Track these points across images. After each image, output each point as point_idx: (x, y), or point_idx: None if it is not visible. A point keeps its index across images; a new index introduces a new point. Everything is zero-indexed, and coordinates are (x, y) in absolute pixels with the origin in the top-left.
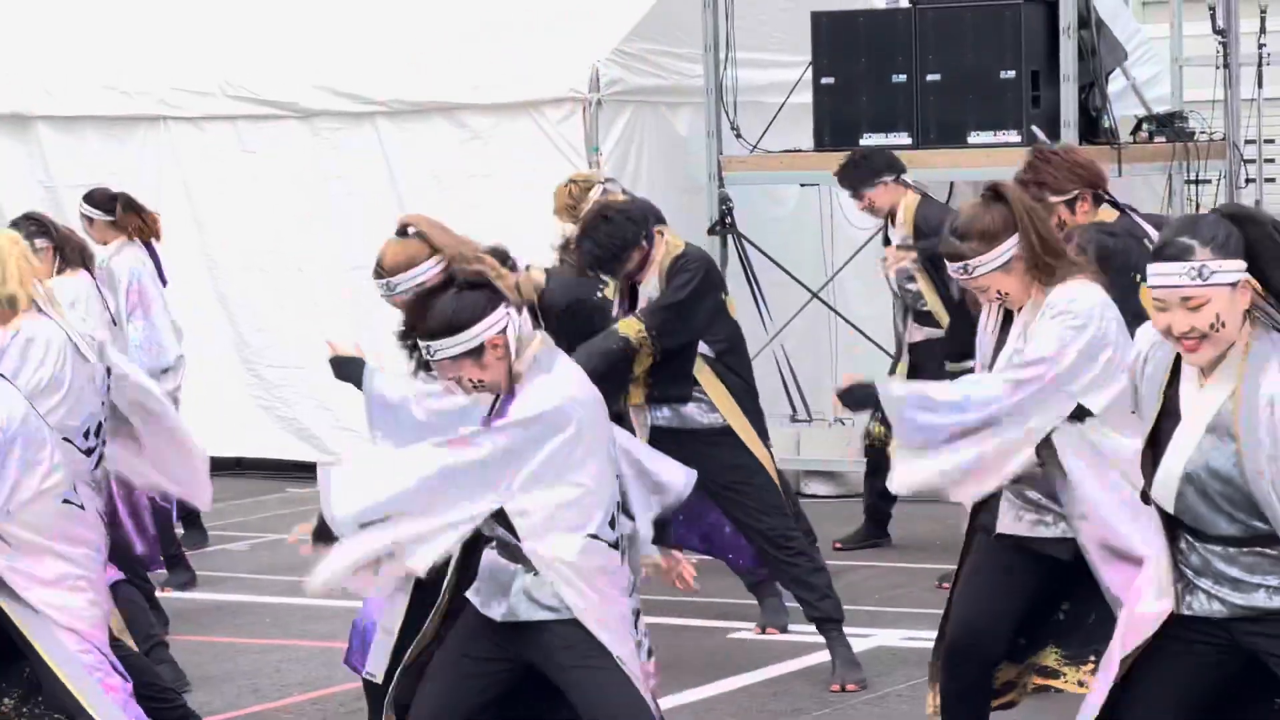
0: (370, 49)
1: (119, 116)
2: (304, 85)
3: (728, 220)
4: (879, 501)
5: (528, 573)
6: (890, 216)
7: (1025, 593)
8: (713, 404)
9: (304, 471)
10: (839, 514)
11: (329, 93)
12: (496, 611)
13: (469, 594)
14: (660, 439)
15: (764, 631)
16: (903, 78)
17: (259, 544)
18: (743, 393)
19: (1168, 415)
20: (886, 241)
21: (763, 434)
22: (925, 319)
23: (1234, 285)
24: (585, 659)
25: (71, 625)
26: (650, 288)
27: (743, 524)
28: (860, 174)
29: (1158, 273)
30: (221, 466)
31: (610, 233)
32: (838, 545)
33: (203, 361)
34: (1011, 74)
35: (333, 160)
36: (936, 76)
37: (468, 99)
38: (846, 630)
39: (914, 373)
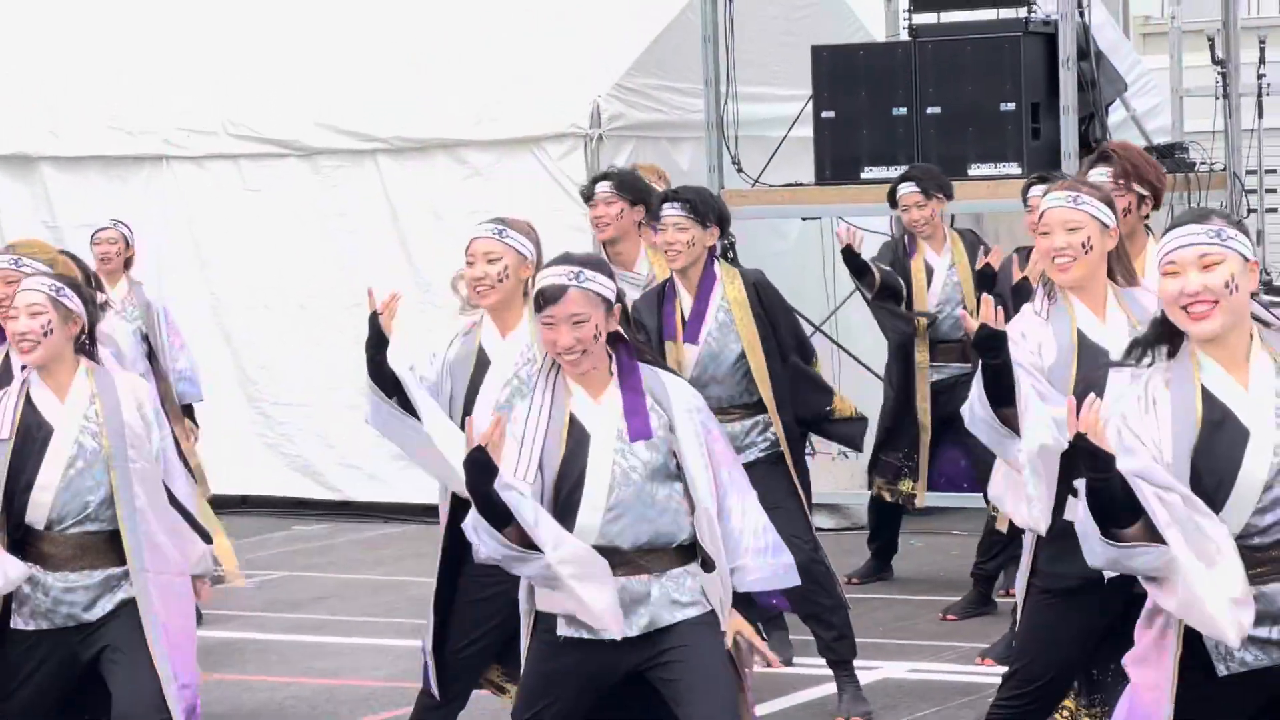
0: (371, 87)
1: (122, 156)
2: (306, 123)
3: (730, 254)
4: (887, 546)
5: (660, 577)
6: (909, 238)
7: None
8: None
9: (309, 509)
10: (841, 546)
11: (330, 130)
12: (634, 627)
13: (567, 630)
14: None
15: (769, 665)
16: (903, 111)
17: (265, 581)
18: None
19: (1217, 427)
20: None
21: (798, 462)
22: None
23: (1245, 259)
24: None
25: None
26: None
27: None
28: (942, 182)
29: (1174, 235)
30: (226, 504)
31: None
32: (854, 580)
33: (207, 399)
34: (1011, 106)
35: (335, 197)
36: (937, 109)
37: (469, 135)
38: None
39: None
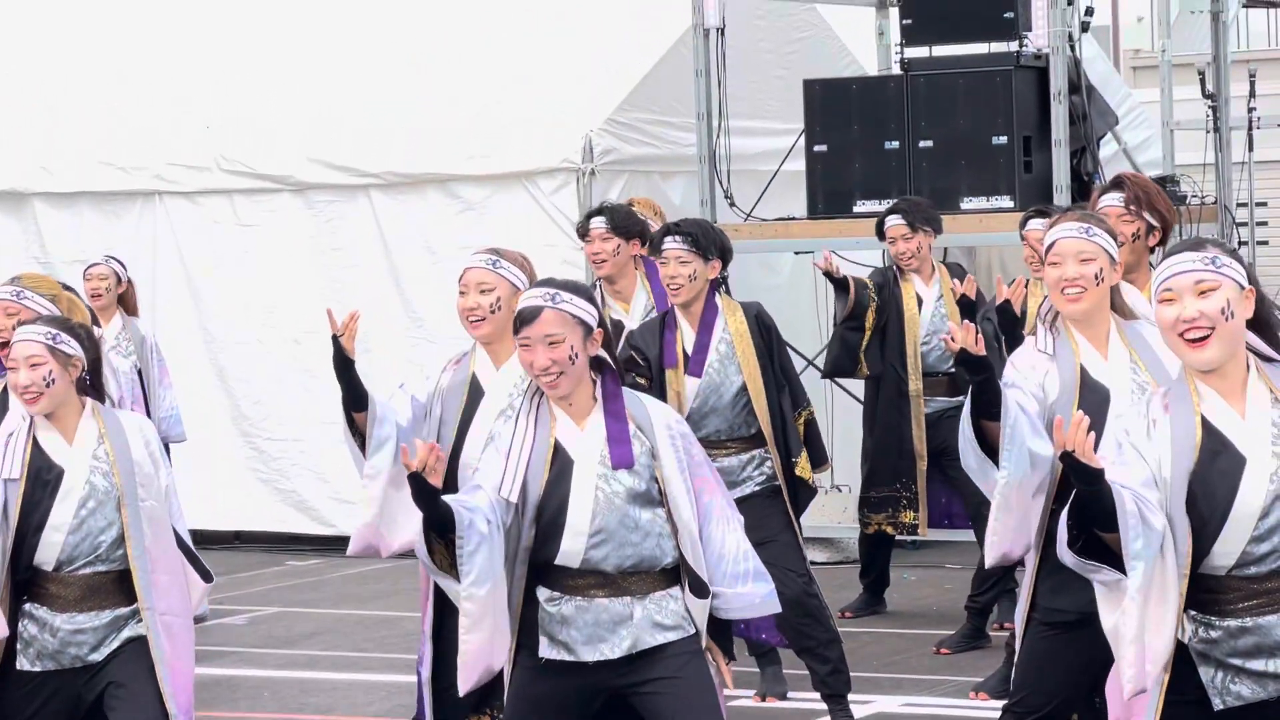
0: (364, 121)
1: (115, 192)
2: (299, 158)
3: (722, 289)
4: (879, 579)
5: (643, 599)
6: (898, 268)
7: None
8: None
9: (302, 544)
10: (834, 580)
11: (323, 165)
12: (616, 649)
13: (549, 651)
14: None
15: (764, 699)
16: (895, 144)
17: (257, 617)
18: None
19: (1215, 454)
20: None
21: (791, 494)
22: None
23: (1241, 287)
24: (697, 656)
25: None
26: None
27: None
28: (930, 215)
29: (1170, 264)
30: (219, 540)
31: None
32: (847, 614)
33: (200, 435)
34: (1003, 140)
35: (328, 232)
36: (929, 143)
37: (461, 170)
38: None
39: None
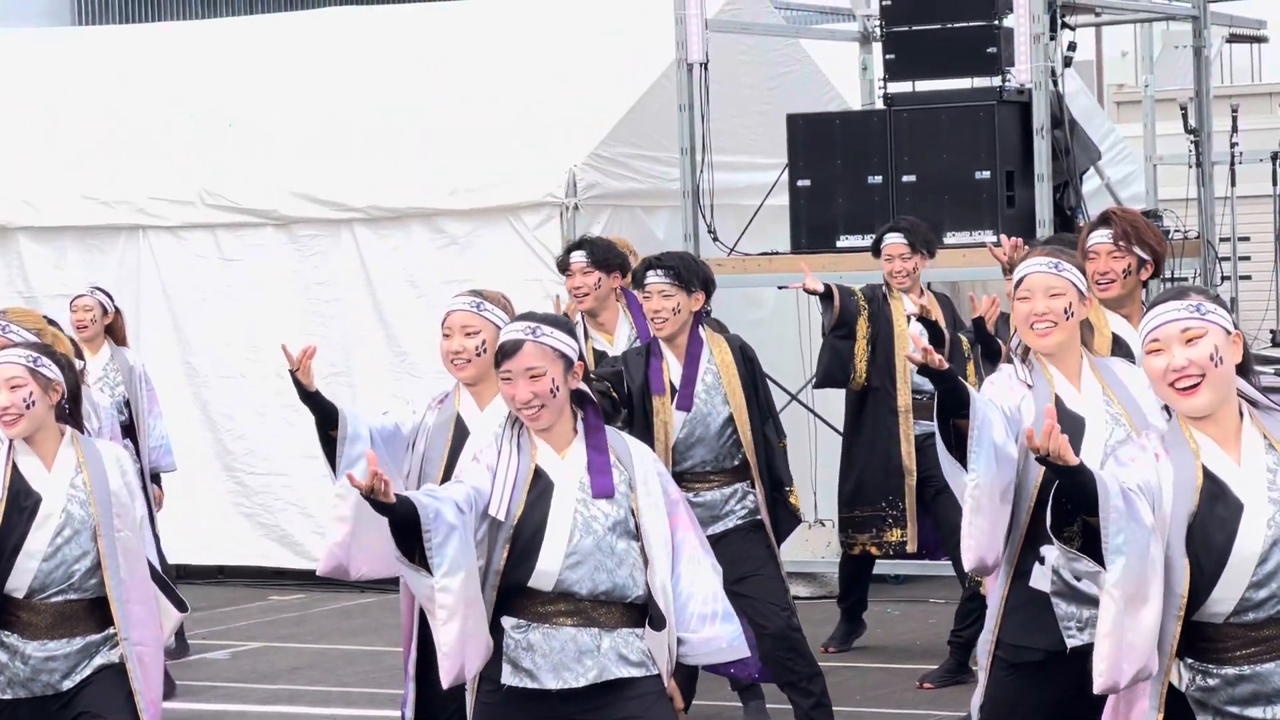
0: (347, 156)
1: (98, 226)
2: (281, 193)
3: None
4: (857, 604)
5: (611, 632)
6: (887, 287)
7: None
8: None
9: (286, 579)
10: (816, 615)
11: (307, 200)
12: (581, 678)
13: (511, 679)
14: None
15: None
16: (878, 179)
17: (240, 653)
18: None
19: (1214, 499)
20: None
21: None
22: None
23: (1228, 332)
24: (661, 697)
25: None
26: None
27: (751, 620)
28: (929, 238)
29: (1155, 314)
30: (203, 574)
31: None
32: (829, 649)
33: (184, 469)
34: (986, 174)
35: (311, 267)
36: (912, 177)
37: (445, 205)
38: None
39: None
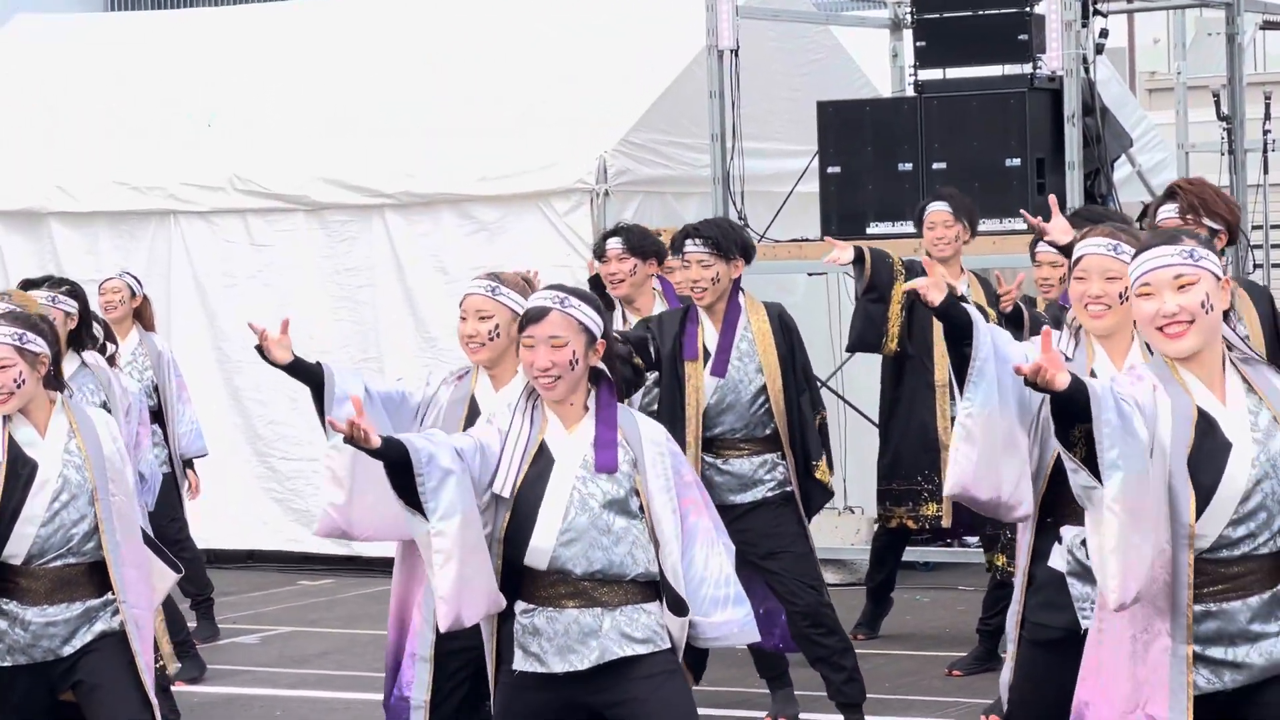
0: (378, 142)
1: (130, 212)
2: (312, 178)
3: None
4: (883, 586)
5: (614, 611)
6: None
7: None
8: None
9: (316, 564)
10: (847, 602)
11: (337, 186)
12: (585, 660)
13: (522, 664)
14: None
15: (776, 719)
16: (909, 166)
17: (269, 637)
18: None
19: (1205, 436)
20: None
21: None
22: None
23: (1218, 278)
24: (674, 675)
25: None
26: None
27: (781, 596)
28: (971, 209)
29: (1148, 257)
30: (233, 559)
31: None
32: (859, 636)
33: (215, 454)
34: (1017, 162)
35: (342, 253)
36: (942, 165)
37: (475, 191)
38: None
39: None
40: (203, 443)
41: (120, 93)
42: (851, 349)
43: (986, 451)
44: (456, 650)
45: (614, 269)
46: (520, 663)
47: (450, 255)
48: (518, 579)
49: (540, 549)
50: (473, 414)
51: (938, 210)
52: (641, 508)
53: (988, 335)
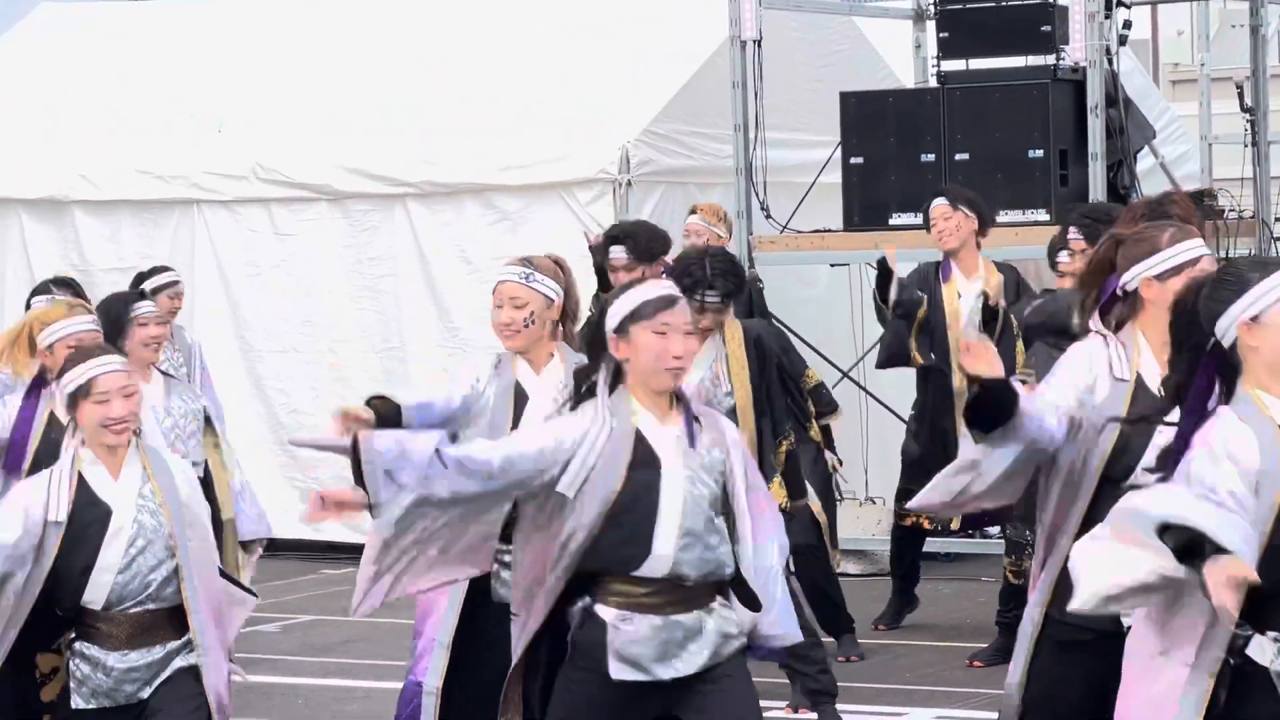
0: (400, 132)
1: (153, 200)
2: (335, 168)
3: (758, 297)
4: (908, 579)
5: (710, 612)
6: (942, 266)
7: None
8: None
9: (338, 552)
10: (869, 593)
11: (360, 175)
12: (691, 664)
13: (618, 674)
14: None
15: (796, 710)
16: (931, 157)
17: (291, 625)
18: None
19: None
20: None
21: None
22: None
23: None
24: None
25: None
26: None
27: None
28: (970, 198)
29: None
30: None
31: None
32: (880, 627)
33: (237, 443)
34: (1039, 153)
35: (364, 242)
36: (965, 156)
37: (498, 180)
38: (879, 709)
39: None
40: (223, 426)
41: (144, 82)
42: (882, 365)
43: (971, 489)
44: (479, 641)
45: (622, 279)
46: (617, 671)
47: (473, 245)
48: (607, 580)
49: (662, 555)
50: (520, 399)
51: (935, 205)
52: (727, 503)
53: (1033, 410)
